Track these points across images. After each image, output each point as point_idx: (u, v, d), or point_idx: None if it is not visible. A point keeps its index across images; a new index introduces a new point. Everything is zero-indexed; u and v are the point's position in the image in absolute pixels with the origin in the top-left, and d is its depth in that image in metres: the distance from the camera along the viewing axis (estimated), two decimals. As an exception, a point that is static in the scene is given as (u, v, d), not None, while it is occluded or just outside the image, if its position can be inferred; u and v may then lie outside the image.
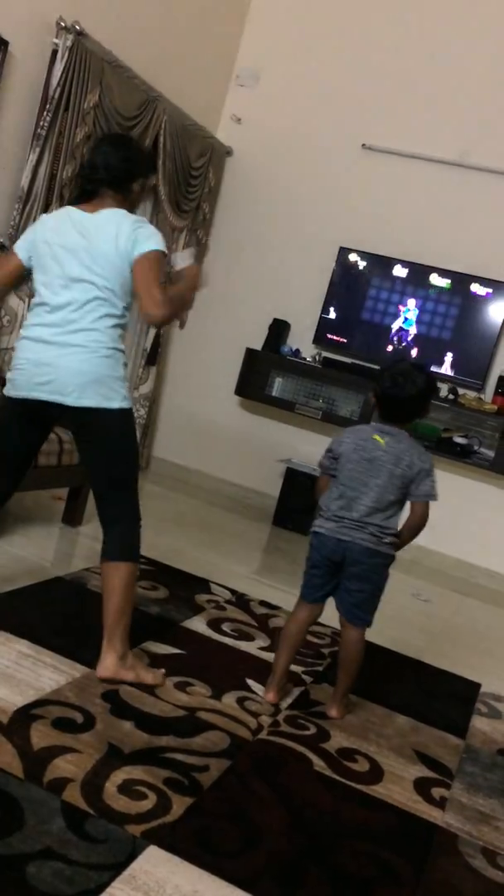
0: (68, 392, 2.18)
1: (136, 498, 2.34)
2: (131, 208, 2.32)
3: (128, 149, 2.33)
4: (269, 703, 2.43)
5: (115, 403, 2.22)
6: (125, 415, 2.26)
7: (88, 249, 2.19)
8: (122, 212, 2.25)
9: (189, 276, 2.39)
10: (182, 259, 2.45)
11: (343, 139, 5.22)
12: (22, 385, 2.23)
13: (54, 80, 3.80)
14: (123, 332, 2.29)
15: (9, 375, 2.29)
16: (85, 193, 2.30)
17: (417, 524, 2.40)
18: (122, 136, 2.49)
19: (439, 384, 4.92)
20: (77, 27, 3.79)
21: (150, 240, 2.19)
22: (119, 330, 2.26)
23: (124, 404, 2.25)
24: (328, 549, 2.39)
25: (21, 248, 2.31)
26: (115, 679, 2.26)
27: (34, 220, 3.85)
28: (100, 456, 2.30)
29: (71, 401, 2.19)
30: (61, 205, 3.95)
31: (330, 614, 2.53)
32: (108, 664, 2.27)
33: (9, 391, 2.28)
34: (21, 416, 2.31)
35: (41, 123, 3.80)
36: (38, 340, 2.22)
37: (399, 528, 2.40)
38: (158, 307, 2.15)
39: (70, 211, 2.28)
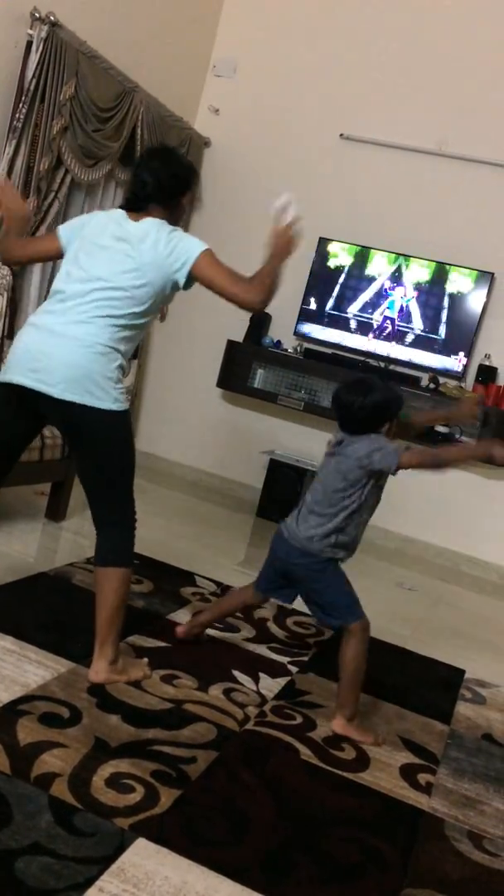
0: (54, 383, 2.13)
1: (129, 501, 2.30)
2: (176, 221, 2.34)
3: (176, 164, 2.34)
4: (179, 634, 2.62)
5: (104, 404, 2.16)
6: (116, 417, 2.19)
7: (118, 252, 2.19)
8: (162, 222, 2.25)
9: (277, 243, 2.33)
10: (280, 204, 2.39)
11: (321, 129, 5.22)
12: (13, 369, 2.19)
13: (29, 72, 3.77)
14: (129, 335, 2.22)
15: (6, 359, 2.26)
16: (133, 206, 2.31)
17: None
18: (169, 151, 2.48)
19: (420, 374, 4.95)
20: (52, 18, 3.75)
21: (192, 246, 2.21)
22: (122, 331, 2.19)
23: (115, 406, 2.18)
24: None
25: (63, 234, 2.32)
26: (108, 683, 2.26)
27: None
28: (88, 457, 2.26)
29: (56, 392, 2.13)
30: (39, 198, 3.95)
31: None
32: (100, 669, 2.26)
33: (2, 375, 2.24)
34: (10, 402, 2.25)
35: (17, 116, 3.76)
36: (40, 328, 2.19)
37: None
38: (251, 294, 2.20)
39: (118, 215, 2.29)
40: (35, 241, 2.34)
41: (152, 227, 2.23)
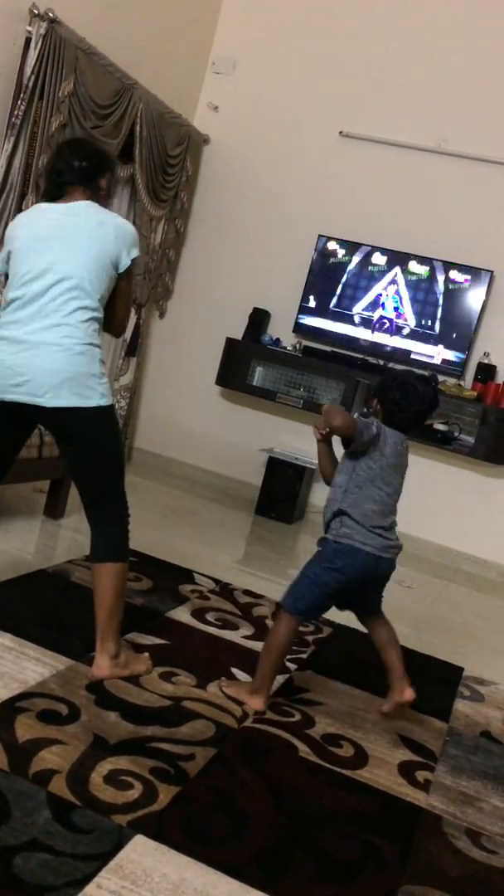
0: (42, 393, 2.14)
1: (122, 496, 2.31)
2: (103, 204, 2.33)
3: (87, 148, 2.36)
4: (256, 710, 2.31)
5: (93, 401, 2.17)
6: (104, 412, 2.21)
7: (60, 239, 2.18)
8: (94, 204, 2.26)
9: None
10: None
11: (321, 127, 5.21)
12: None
13: (28, 69, 3.76)
14: (99, 325, 2.25)
15: None
16: (54, 196, 2.30)
17: None
18: (79, 139, 2.55)
19: (419, 370, 4.94)
20: (51, 14, 3.75)
21: (133, 248, 2.25)
22: (94, 324, 2.21)
23: (102, 402, 2.19)
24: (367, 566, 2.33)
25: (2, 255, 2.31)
26: (111, 678, 2.26)
27: (10, 210, 3.82)
28: (81, 456, 2.27)
29: (45, 402, 2.14)
30: (37, 195, 3.93)
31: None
32: (103, 665, 2.27)
33: None
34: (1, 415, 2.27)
35: (15, 113, 3.76)
36: (11, 341, 2.17)
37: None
38: (124, 327, 2.39)
39: (41, 206, 2.29)
40: None
41: (83, 209, 2.24)
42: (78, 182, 2.28)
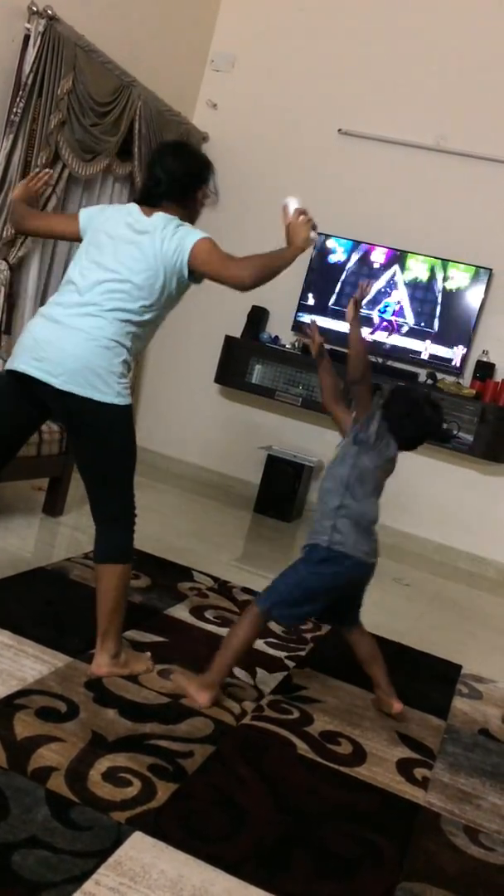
0: (58, 373, 2.12)
1: (129, 497, 2.31)
2: (192, 217, 2.34)
3: (189, 160, 2.33)
4: (202, 705, 2.24)
5: (108, 398, 2.15)
6: (118, 411, 2.19)
7: (130, 244, 2.18)
8: (171, 217, 2.24)
9: (291, 230, 2.39)
10: (291, 202, 2.38)
11: (320, 124, 5.21)
12: (19, 358, 2.19)
13: (27, 66, 3.76)
14: (137, 331, 2.21)
15: (14, 347, 2.25)
16: (147, 201, 2.30)
17: None
18: (183, 146, 2.47)
19: (418, 369, 4.95)
20: (49, 12, 3.74)
21: (192, 233, 2.21)
22: (129, 326, 2.18)
23: (118, 401, 2.17)
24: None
25: (83, 218, 2.32)
26: (110, 676, 2.26)
27: (9, 208, 3.81)
28: (89, 451, 2.25)
29: (58, 383, 2.13)
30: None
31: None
32: (103, 664, 2.27)
33: (7, 363, 2.24)
34: (15, 391, 2.25)
35: (14, 110, 3.75)
36: (49, 319, 2.19)
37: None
38: (239, 270, 2.20)
39: (131, 207, 2.29)
40: (54, 216, 2.33)
41: (160, 220, 2.22)
42: (171, 196, 2.27)
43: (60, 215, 2.35)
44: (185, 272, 2.22)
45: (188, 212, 2.33)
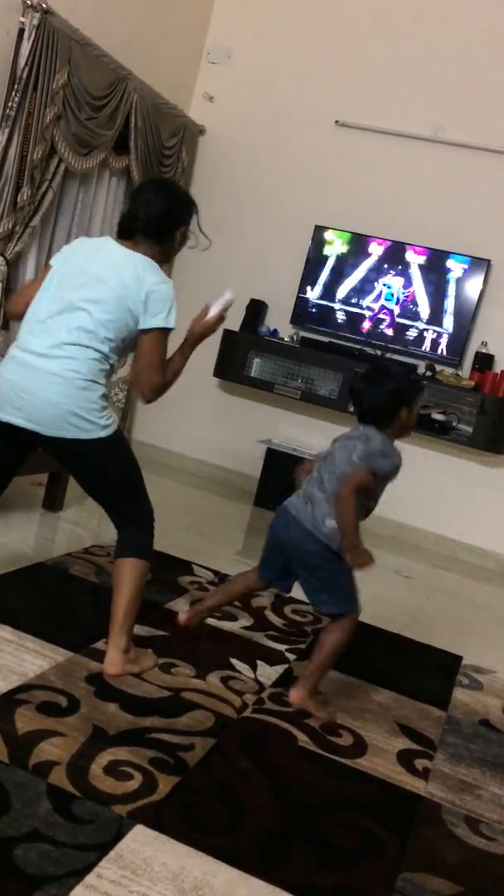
0: (41, 422, 2.15)
1: (143, 502, 2.36)
2: (167, 256, 2.32)
3: (170, 199, 2.30)
4: (181, 622, 2.55)
5: (94, 433, 2.17)
6: (107, 443, 2.21)
7: (101, 284, 2.17)
8: (148, 262, 2.22)
9: (202, 329, 2.42)
10: (217, 303, 2.41)
11: (316, 116, 5.19)
12: (2, 404, 2.20)
13: (22, 60, 3.74)
14: (107, 368, 2.22)
15: None
16: (123, 235, 2.28)
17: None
18: (165, 184, 2.45)
19: (417, 361, 4.95)
20: (44, 5, 3.72)
21: (161, 314, 2.20)
22: (100, 365, 2.19)
23: (103, 434, 2.19)
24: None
25: (54, 263, 2.29)
26: (123, 674, 2.27)
27: (5, 202, 3.81)
28: (87, 481, 2.32)
29: (43, 430, 2.16)
30: (33, 188, 3.92)
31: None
32: (115, 661, 2.28)
33: None
34: (1, 432, 2.26)
35: (9, 105, 3.74)
36: (19, 362, 2.18)
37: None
38: (152, 392, 2.25)
39: (107, 243, 2.27)
40: (33, 285, 2.33)
41: (139, 263, 2.20)
42: (149, 235, 2.25)
43: (36, 281, 2.36)
44: (137, 331, 2.23)
45: (164, 251, 2.31)
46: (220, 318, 2.43)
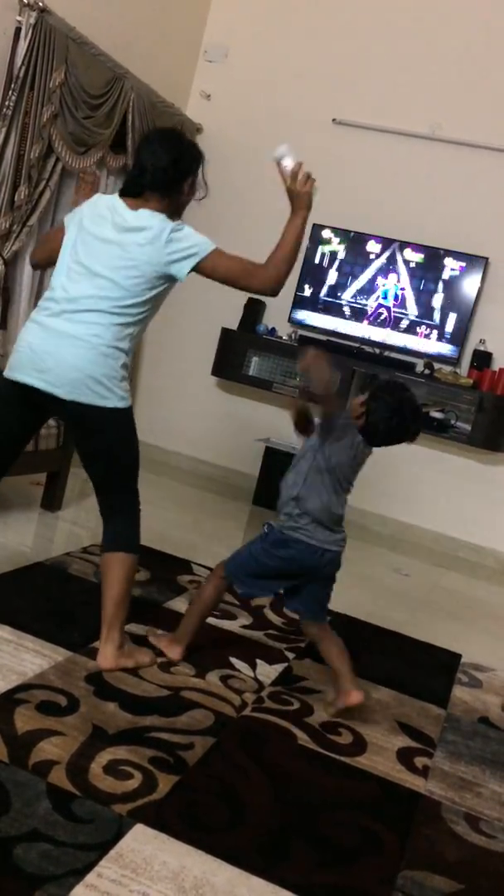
0: (61, 384, 2.14)
1: (135, 491, 2.34)
2: (178, 209, 2.29)
3: (178, 149, 2.25)
4: (178, 658, 2.44)
5: (111, 402, 2.17)
6: (121, 414, 2.21)
7: (115, 246, 2.15)
8: (161, 216, 2.18)
9: (299, 192, 2.33)
10: (283, 155, 2.28)
11: (314, 114, 5.18)
12: (19, 368, 2.19)
13: (18, 59, 3.73)
14: (131, 332, 2.21)
15: (10, 357, 2.25)
16: (131, 192, 2.24)
17: None
18: (173, 134, 2.37)
19: (415, 360, 4.95)
20: (40, 4, 3.72)
21: (200, 244, 2.17)
22: (125, 329, 2.18)
23: (120, 404, 2.20)
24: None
25: (69, 221, 2.27)
26: (116, 668, 2.27)
27: (2, 201, 3.80)
28: (95, 452, 2.29)
29: (62, 394, 2.15)
30: (30, 186, 3.92)
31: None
32: (108, 655, 2.28)
33: (7, 372, 2.24)
34: (16, 398, 2.26)
35: (6, 103, 3.73)
36: (42, 326, 2.18)
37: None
38: (266, 283, 2.22)
39: (115, 202, 2.23)
40: (49, 240, 2.31)
41: (152, 220, 2.17)
42: (156, 187, 2.21)
43: (52, 235, 2.33)
44: (183, 275, 2.20)
45: (174, 206, 2.26)
46: (302, 175, 2.35)
